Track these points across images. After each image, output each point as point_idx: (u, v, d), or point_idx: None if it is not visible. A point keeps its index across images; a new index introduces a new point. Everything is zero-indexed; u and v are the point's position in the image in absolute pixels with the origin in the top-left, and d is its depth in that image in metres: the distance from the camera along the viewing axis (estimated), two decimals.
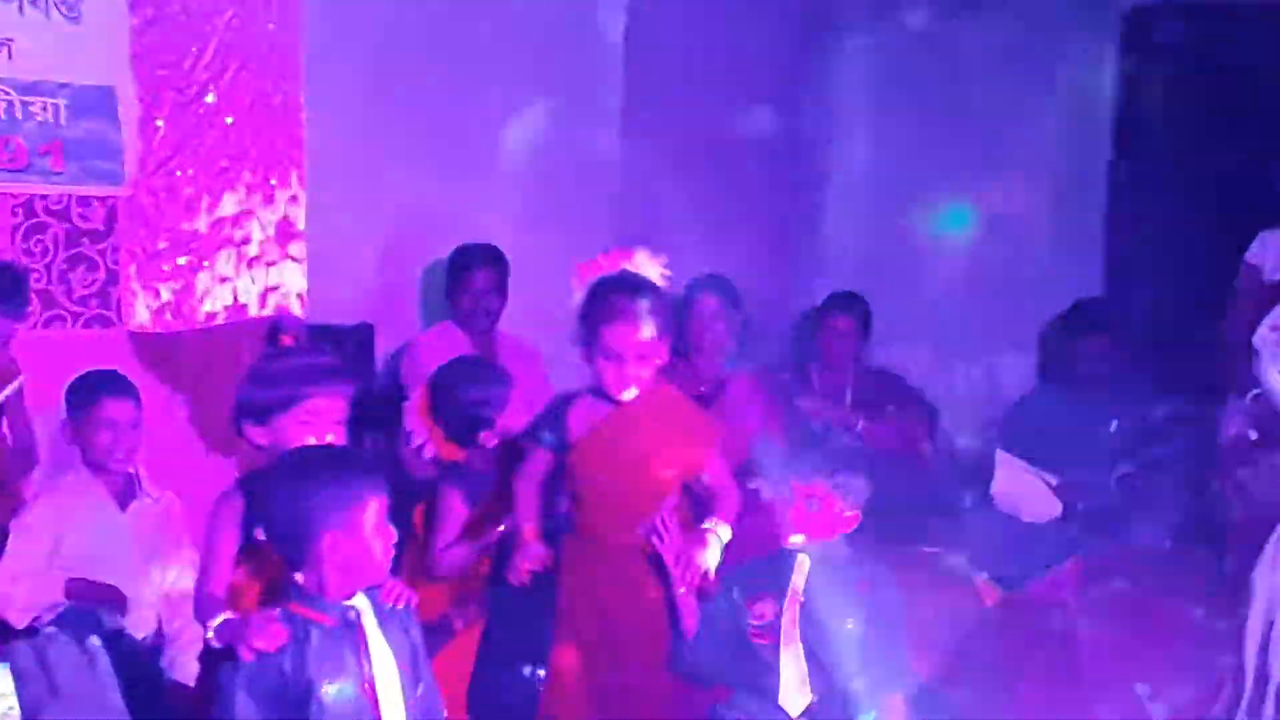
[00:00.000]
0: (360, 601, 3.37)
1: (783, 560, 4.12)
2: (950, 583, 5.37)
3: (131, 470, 4.62)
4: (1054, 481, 6.19)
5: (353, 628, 3.34)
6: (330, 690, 3.25)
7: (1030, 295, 6.88)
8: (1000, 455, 6.30)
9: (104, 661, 3.98)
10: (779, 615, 4.08)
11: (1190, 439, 6.01)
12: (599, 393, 4.13)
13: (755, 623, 4.07)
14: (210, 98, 5.30)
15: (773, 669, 4.06)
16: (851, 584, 4.17)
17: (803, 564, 4.12)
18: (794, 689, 4.07)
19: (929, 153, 7.07)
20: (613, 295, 4.16)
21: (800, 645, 4.07)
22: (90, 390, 4.58)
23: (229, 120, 5.31)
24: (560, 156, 6.48)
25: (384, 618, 3.39)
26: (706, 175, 6.82)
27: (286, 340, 3.69)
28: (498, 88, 6.30)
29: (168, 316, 5.23)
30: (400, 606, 3.42)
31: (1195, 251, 6.59)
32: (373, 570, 3.34)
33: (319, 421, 3.50)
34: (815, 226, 7.28)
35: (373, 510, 3.31)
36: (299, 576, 3.33)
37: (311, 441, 3.47)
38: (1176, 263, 6.71)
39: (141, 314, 5.19)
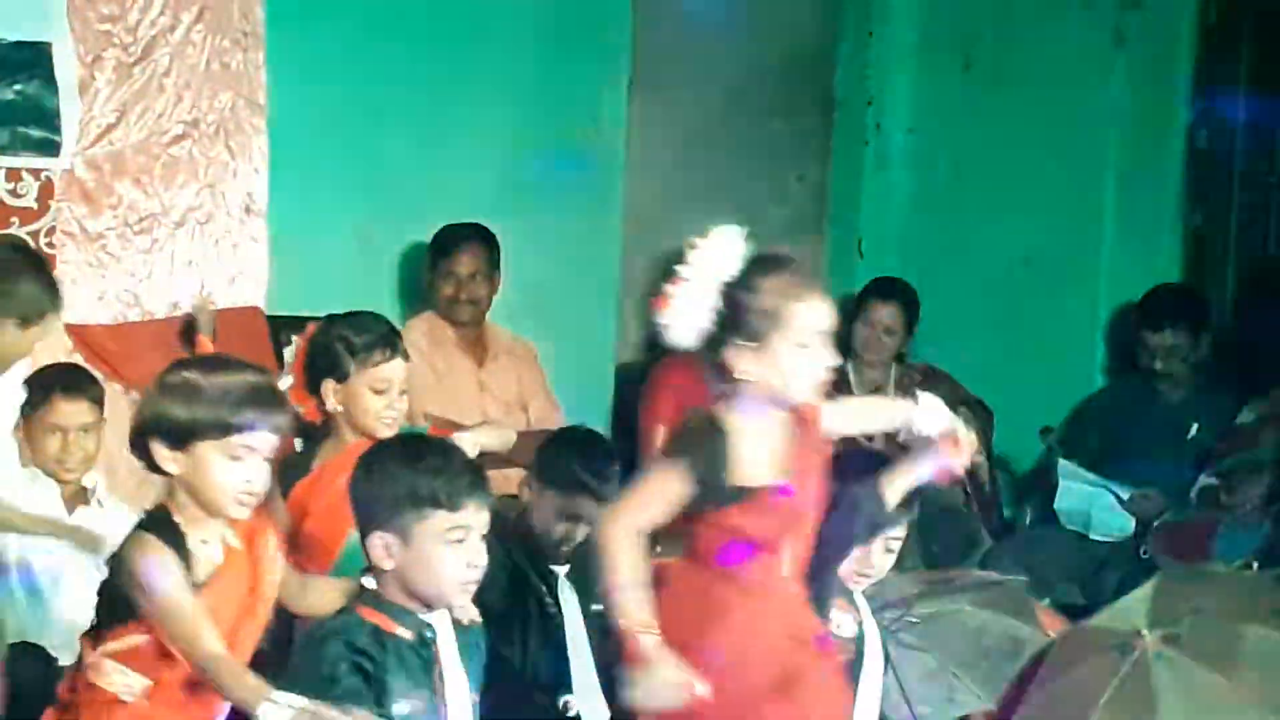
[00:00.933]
0: (438, 618, 3.41)
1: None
2: (1007, 610, 5.38)
3: (89, 486, 4.63)
4: (1125, 495, 6.19)
5: (428, 645, 3.39)
6: (404, 707, 3.31)
7: (1096, 281, 6.88)
8: (1063, 465, 6.30)
9: None
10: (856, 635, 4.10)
11: None
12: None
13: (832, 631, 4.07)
14: (160, 56, 5.28)
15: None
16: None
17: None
18: None
19: (979, 116, 7.06)
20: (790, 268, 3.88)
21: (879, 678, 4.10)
22: (43, 388, 4.57)
23: (181, 82, 5.30)
24: (558, 122, 6.46)
25: (460, 638, 3.45)
26: (727, 143, 6.81)
27: (203, 343, 3.66)
28: (487, 44, 6.28)
29: (116, 307, 5.22)
30: (470, 625, 3.49)
31: None
32: (441, 593, 3.39)
33: (252, 457, 3.40)
34: (851, 201, 7.27)
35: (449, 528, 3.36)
36: (370, 582, 3.38)
37: (235, 478, 3.37)
38: (1266, 242, 6.72)
39: (81, 304, 5.18)
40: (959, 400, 6.43)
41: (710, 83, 6.82)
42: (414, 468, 3.38)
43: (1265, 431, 6.11)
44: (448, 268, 5.89)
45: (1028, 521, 6.48)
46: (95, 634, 3.39)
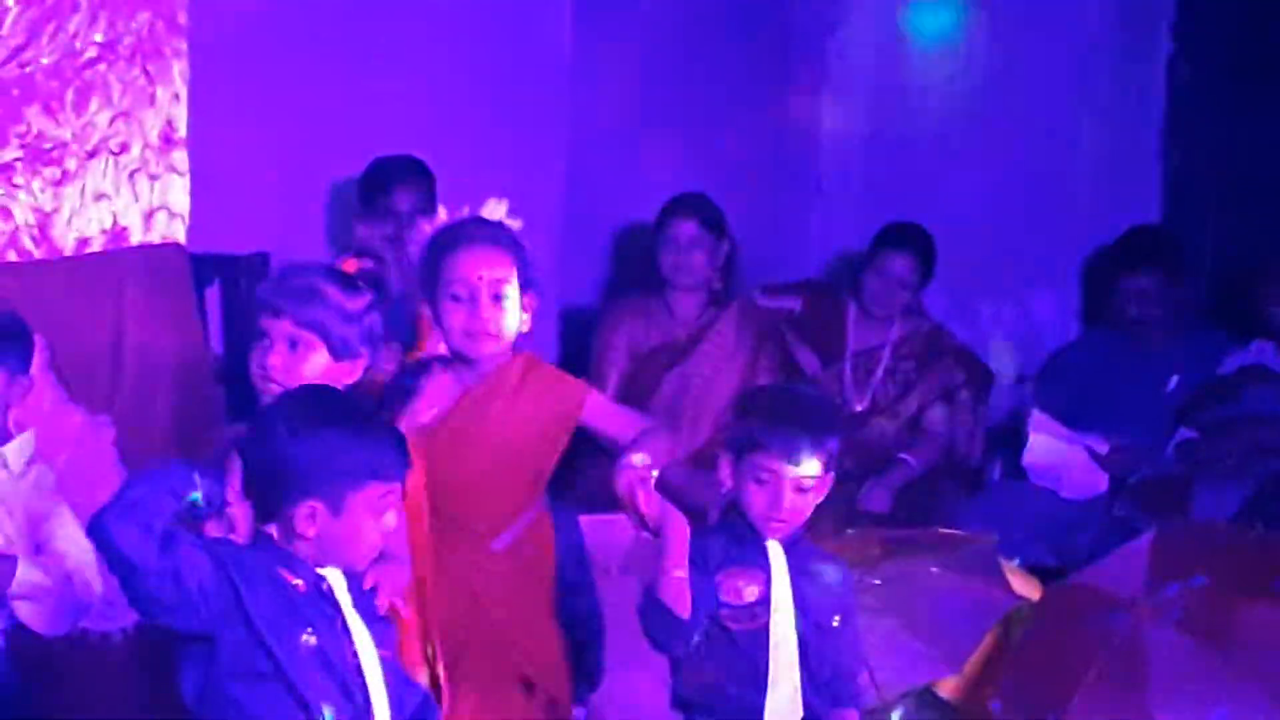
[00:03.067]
0: (333, 574, 3.40)
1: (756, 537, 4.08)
2: (976, 571, 5.38)
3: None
4: (1101, 449, 6.19)
5: (326, 598, 3.38)
6: (310, 640, 3.32)
7: (1072, 224, 6.90)
8: (1036, 417, 6.31)
9: None
10: (765, 602, 4.04)
11: (1266, 398, 6.03)
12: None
13: (730, 602, 4.03)
14: None
15: (759, 670, 4.03)
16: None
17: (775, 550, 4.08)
18: (786, 702, 4.04)
19: (948, 48, 7.05)
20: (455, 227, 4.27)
21: (795, 646, 4.04)
22: None
23: (96, 1, 5.21)
24: (497, 49, 6.40)
25: (360, 600, 3.44)
26: (680, 74, 6.79)
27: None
28: None
29: (25, 242, 5.16)
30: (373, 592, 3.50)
31: (1273, 170, 6.61)
32: (357, 561, 3.41)
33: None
34: (811, 136, 7.25)
35: (380, 496, 3.36)
36: (272, 530, 3.36)
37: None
38: (1249, 184, 6.74)
39: None
40: (961, 371, 6.42)
41: (659, 10, 6.78)
42: (356, 439, 3.36)
43: (1247, 384, 6.13)
44: (386, 205, 5.81)
45: (997, 477, 6.49)
46: None
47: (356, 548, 3.38)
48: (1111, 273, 6.49)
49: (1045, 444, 6.28)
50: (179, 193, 5.45)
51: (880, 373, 6.31)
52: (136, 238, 5.35)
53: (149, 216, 5.37)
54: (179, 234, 5.46)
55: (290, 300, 3.89)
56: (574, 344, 6.55)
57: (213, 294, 5.82)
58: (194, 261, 5.54)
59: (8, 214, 5.13)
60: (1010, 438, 6.49)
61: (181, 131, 5.45)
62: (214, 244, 5.72)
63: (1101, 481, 6.20)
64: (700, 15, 6.87)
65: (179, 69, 5.43)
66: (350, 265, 4.09)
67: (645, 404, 6.10)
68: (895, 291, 6.33)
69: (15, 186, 5.14)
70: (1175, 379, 6.33)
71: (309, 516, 3.32)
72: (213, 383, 5.49)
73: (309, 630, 3.32)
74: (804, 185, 7.21)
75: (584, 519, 5.22)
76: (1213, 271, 6.74)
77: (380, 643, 3.43)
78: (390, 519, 3.39)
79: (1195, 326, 6.49)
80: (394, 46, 6.16)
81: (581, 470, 6.01)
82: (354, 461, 3.33)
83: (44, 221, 5.18)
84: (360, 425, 3.39)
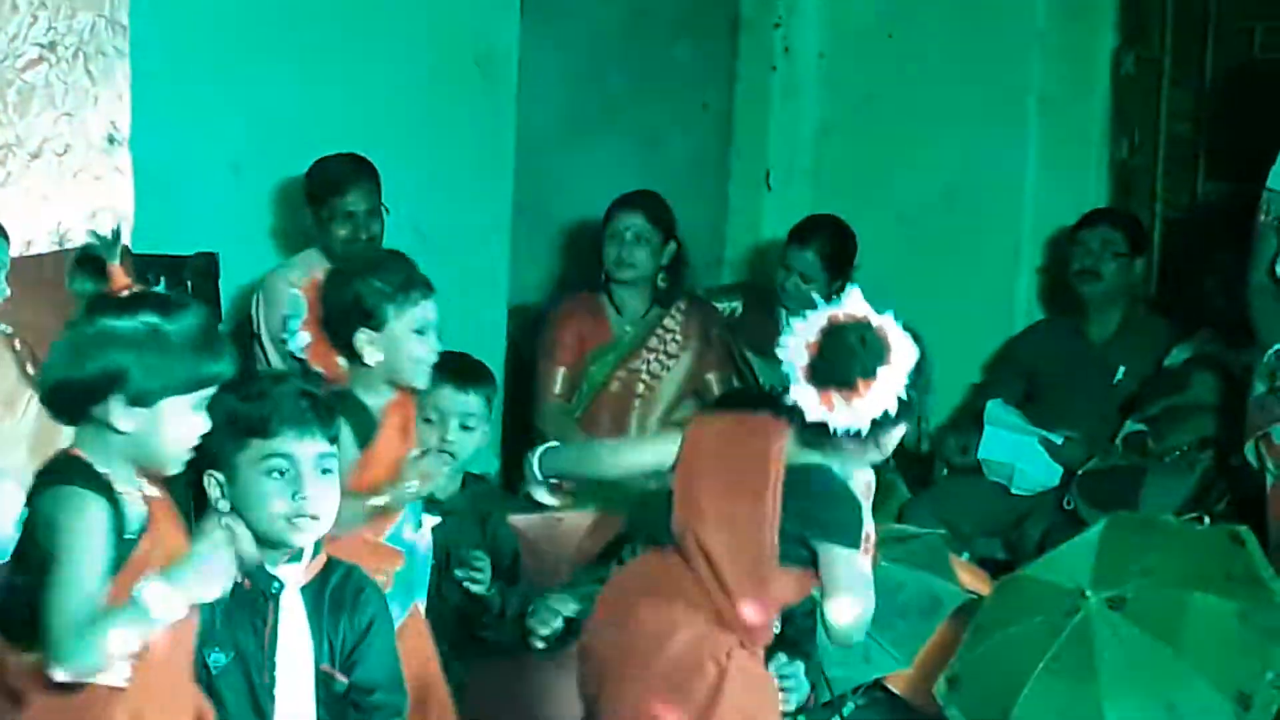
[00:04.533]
0: (290, 572, 3.43)
1: None
2: (925, 565, 5.42)
3: None
4: (1059, 440, 6.21)
5: (268, 600, 3.41)
6: (219, 657, 3.34)
7: (1019, 215, 6.92)
8: (992, 408, 6.31)
9: None
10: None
11: (1213, 390, 6.07)
12: None
13: None
14: None
15: None
16: None
17: None
18: None
19: (894, 39, 7.07)
20: None
21: None
22: None
23: (36, 1, 5.18)
24: (444, 46, 6.39)
25: (313, 602, 3.46)
26: (628, 69, 6.80)
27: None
28: None
29: None
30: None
31: (1217, 163, 6.65)
32: (267, 531, 3.40)
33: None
34: (758, 130, 7.27)
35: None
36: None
37: None
38: (1195, 177, 6.77)
39: None
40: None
41: (608, 4, 6.79)
42: (235, 394, 3.34)
43: (1194, 375, 6.16)
44: (340, 205, 5.81)
45: (945, 470, 6.50)
46: None
47: (261, 514, 3.38)
48: (1071, 237, 6.48)
49: (1001, 438, 6.30)
50: (123, 193, 5.42)
51: None
52: (78, 239, 5.32)
53: (93, 216, 5.35)
54: (123, 234, 5.43)
55: None
56: (523, 342, 6.56)
57: None
58: (139, 262, 5.54)
59: None
60: (960, 430, 6.50)
61: (125, 132, 5.42)
62: (159, 245, 5.72)
63: (1054, 478, 6.21)
64: (647, 10, 6.88)
65: (121, 69, 5.40)
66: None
67: (593, 401, 6.15)
68: (802, 285, 6.33)
69: None
70: (1122, 369, 6.36)
71: (216, 489, 3.39)
72: None
73: (218, 648, 3.34)
74: (753, 180, 7.22)
75: (534, 518, 5.28)
76: (1159, 263, 6.77)
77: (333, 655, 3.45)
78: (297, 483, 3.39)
79: (1142, 318, 6.51)
80: (340, 44, 6.14)
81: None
82: (230, 417, 3.34)
83: None
84: (245, 385, 3.43)
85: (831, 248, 6.40)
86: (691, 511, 3.64)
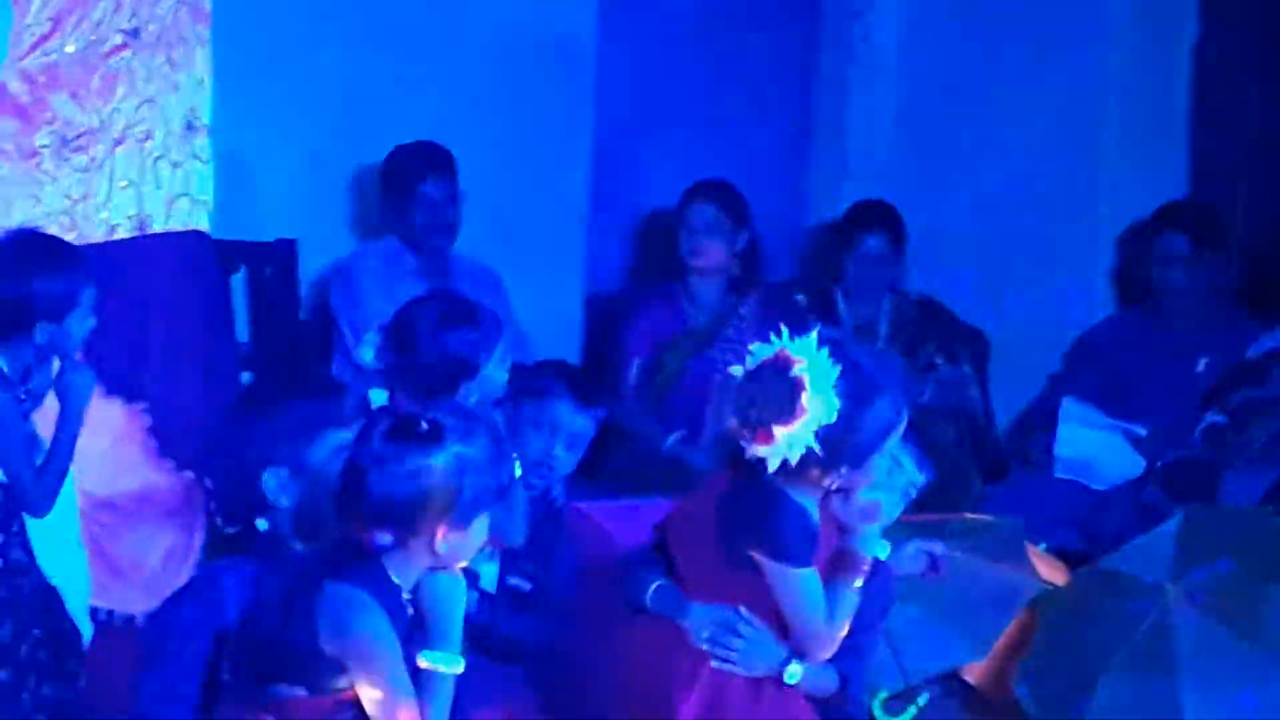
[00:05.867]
0: None
1: None
2: (1002, 556, 5.42)
3: None
4: (1140, 434, 6.20)
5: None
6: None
7: (1097, 207, 6.91)
8: (1068, 406, 6.31)
9: None
10: None
11: None
12: None
13: None
14: None
15: None
16: None
17: None
18: None
19: (973, 29, 7.07)
20: None
21: None
22: None
23: None
24: (522, 35, 6.44)
25: None
26: (706, 60, 6.82)
27: None
28: None
29: (54, 230, 5.20)
30: None
31: None
32: None
33: None
34: (837, 120, 7.28)
35: None
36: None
37: None
38: (1277, 167, 6.75)
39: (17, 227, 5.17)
40: (955, 336, 6.50)
41: None
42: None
43: (1275, 367, 6.14)
44: (418, 193, 5.87)
45: (1025, 460, 6.50)
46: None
47: None
48: (1144, 240, 6.49)
49: (1077, 434, 6.30)
50: (203, 180, 5.48)
51: (880, 345, 6.34)
52: (160, 225, 5.38)
53: (171, 203, 5.41)
54: (202, 221, 5.48)
55: None
56: (598, 331, 6.60)
57: (238, 281, 5.92)
58: (219, 249, 5.61)
59: (37, 201, 5.20)
60: (1039, 421, 6.50)
61: (205, 118, 5.47)
62: (239, 231, 5.79)
63: (1136, 467, 6.21)
64: (727, 2, 6.91)
65: (202, 56, 5.45)
66: None
67: (669, 391, 6.19)
68: (877, 272, 6.39)
69: (44, 174, 5.18)
70: (1204, 361, 6.34)
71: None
72: (238, 371, 5.56)
73: None
74: (832, 171, 7.23)
75: (609, 505, 5.32)
76: (1241, 254, 6.74)
77: None
78: None
79: (1224, 309, 6.49)
80: (419, 33, 6.21)
81: (605, 457, 6.13)
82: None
83: (73, 209, 5.24)
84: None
85: (900, 230, 6.44)
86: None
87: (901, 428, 3.81)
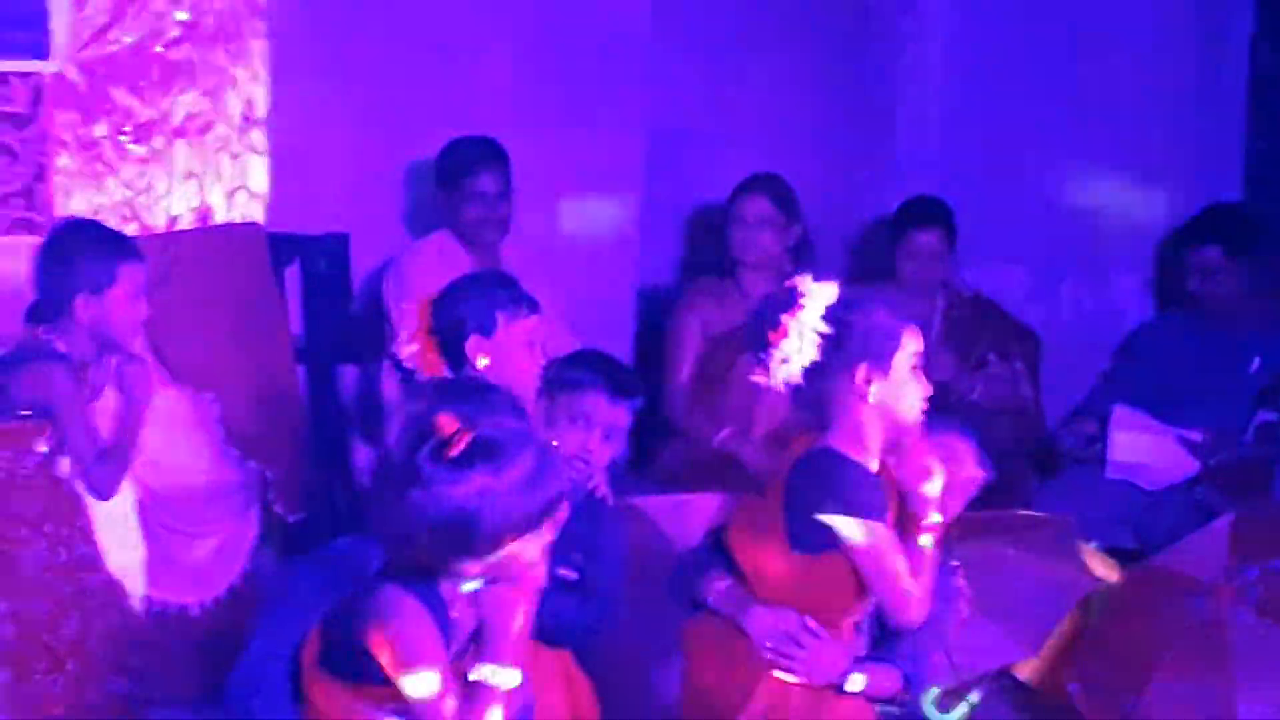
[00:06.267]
0: None
1: None
2: (1054, 554, 5.44)
3: None
4: (1195, 438, 6.20)
5: None
6: None
7: (1151, 204, 6.91)
8: (1118, 412, 6.32)
9: None
10: None
11: None
12: None
13: None
14: None
15: None
16: None
17: None
18: None
19: (1027, 24, 7.07)
20: None
21: None
22: None
23: None
24: (575, 29, 6.46)
25: None
26: (756, 52, 6.82)
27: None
28: None
29: (113, 220, 5.26)
30: None
31: None
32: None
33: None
34: (888, 116, 7.28)
35: None
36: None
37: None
38: None
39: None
40: (1008, 333, 6.51)
41: None
42: None
43: None
44: (471, 187, 5.89)
45: (1075, 458, 6.50)
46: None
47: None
48: (1178, 248, 6.50)
49: (1130, 440, 6.29)
50: (258, 172, 5.54)
51: (933, 341, 6.32)
52: (220, 217, 5.44)
53: (231, 194, 5.47)
54: (258, 213, 5.55)
55: None
56: (650, 325, 6.62)
57: (292, 273, 5.94)
58: (273, 241, 5.66)
59: (98, 192, 5.26)
60: (1091, 418, 6.49)
61: (261, 111, 5.53)
62: (293, 224, 5.83)
63: (1190, 471, 6.19)
64: None
65: (258, 49, 5.52)
66: None
67: (720, 386, 6.20)
68: (929, 267, 6.40)
69: (105, 165, 5.24)
70: (1257, 360, 6.34)
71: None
72: (294, 362, 5.61)
73: None
74: (883, 167, 7.23)
75: (660, 500, 5.35)
76: None
77: None
78: None
79: (1277, 308, 6.49)
80: (472, 26, 6.23)
81: (656, 452, 6.16)
82: None
83: (134, 200, 5.29)
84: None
85: (951, 225, 6.45)
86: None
87: (915, 348, 3.86)
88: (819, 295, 3.80)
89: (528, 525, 3.17)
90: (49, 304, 4.58)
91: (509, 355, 4.37)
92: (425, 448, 3.14)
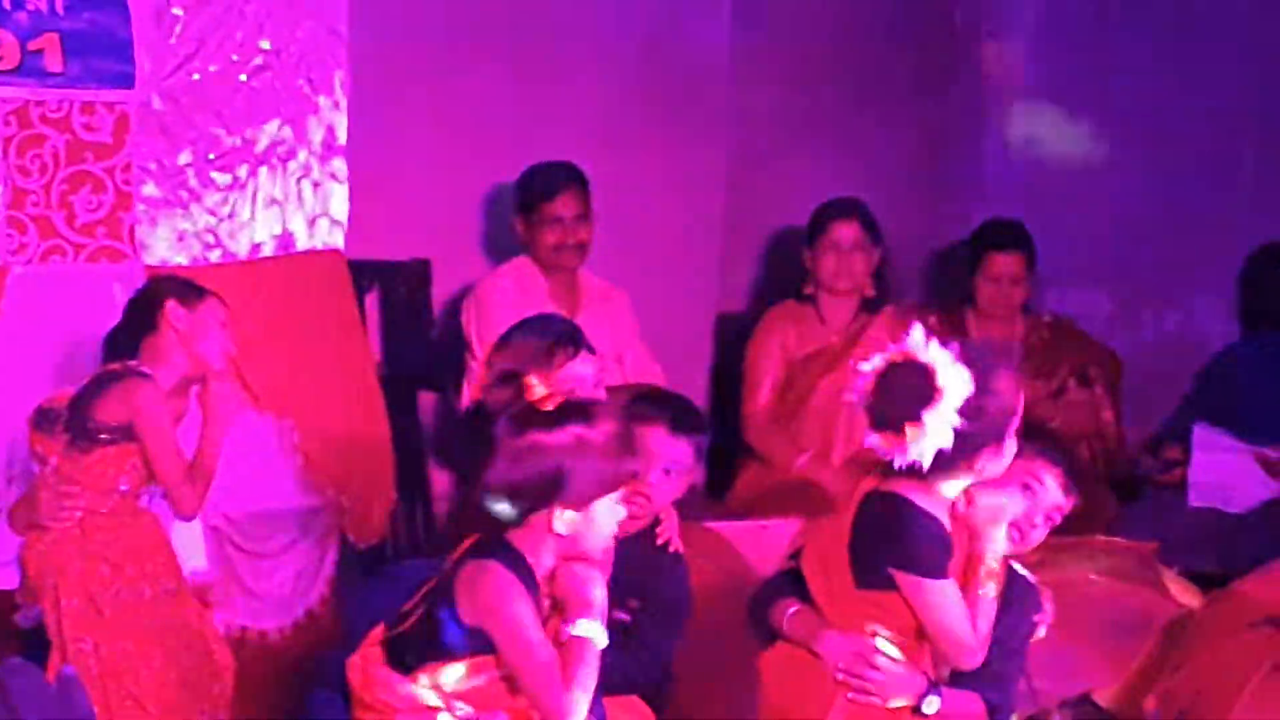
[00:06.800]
0: None
1: None
2: (1136, 579, 5.44)
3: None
4: (1273, 456, 6.18)
5: None
6: None
7: (1233, 227, 6.89)
8: (1200, 432, 6.30)
9: None
10: None
11: None
12: None
13: None
14: None
15: None
16: None
17: None
18: None
19: (1111, 46, 7.06)
20: None
21: None
22: None
23: (262, 10, 5.35)
24: (655, 53, 6.50)
25: None
26: (837, 75, 6.83)
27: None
28: None
29: (196, 247, 5.35)
30: None
31: None
32: None
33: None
34: (970, 138, 7.28)
35: None
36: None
37: None
38: None
39: (160, 245, 5.31)
40: (1088, 355, 6.50)
41: (819, 10, 6.84)
42: None
43: None
44: (550, 212, 5.92)
45: (1156, 483, 6.48)
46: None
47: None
48: (1266, 269, 6.48)
49: (1212, 460, 6.29)
50: (339, 199, 5.58)
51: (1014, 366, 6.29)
52: (302, 244, 5.50)
53: (313, 222, 5.52)
54: (339, 241, 5.59)
55: None
56: (729, 350, 6.65)
57: (372, 300, 6.00)
58: (354, 268, 5.71)
59: (182, 219, 5.32)
60: (1174, 442, 6.48)
61: (342, 139, 5.57)
62: (374, 250, 5.89)
63: (1271, 490, 6.19)
64: (859, 17, 6.91)
65: (339, 77, 5.56)
66: None
67: (799, 410, 6.21)
68: (1009, 291, 6.40)
69: (189, 192, 5.30)
70: None
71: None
72: (378, 387, 5.67)
73: None
74: (966, 191, 7.23)
75: (739, 525, 5.38)
76: None
77: None
78: None
79: None
80: (553, 51, 6.28)
81: (735, 477, 6.19)
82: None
83: (217, 227, 5.36)
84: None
85: (1029, 248, 6.44)
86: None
87: (1019, 414, 3.85)
88: (956, 387, 3.74)
89: (614, 483, 3.47)
90: (129, 334, 4.65)
91: None
92: (520, 404, 3.43)
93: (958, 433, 3.72)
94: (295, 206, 5.46)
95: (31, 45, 5.12)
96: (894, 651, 3.93)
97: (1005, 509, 3.95)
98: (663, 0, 6.50)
